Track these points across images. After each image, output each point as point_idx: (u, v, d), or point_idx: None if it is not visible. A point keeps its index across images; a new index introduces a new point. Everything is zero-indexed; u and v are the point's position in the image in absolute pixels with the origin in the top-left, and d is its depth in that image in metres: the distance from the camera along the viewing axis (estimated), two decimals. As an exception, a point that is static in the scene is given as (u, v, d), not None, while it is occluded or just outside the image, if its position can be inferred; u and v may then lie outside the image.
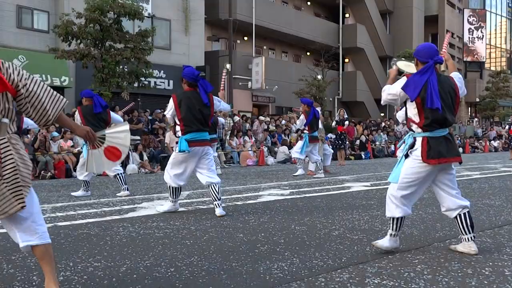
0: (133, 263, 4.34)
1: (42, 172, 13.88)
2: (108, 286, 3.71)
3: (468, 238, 4.62)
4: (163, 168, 16.35)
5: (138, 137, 16.84)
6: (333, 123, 18.91)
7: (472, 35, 48.50)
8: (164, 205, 7.29)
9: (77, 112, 9.07)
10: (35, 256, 4.54)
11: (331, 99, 36.26)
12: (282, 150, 20.94)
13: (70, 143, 15.37)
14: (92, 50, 17.90)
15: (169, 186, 7.06)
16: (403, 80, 4.66)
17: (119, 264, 4.32)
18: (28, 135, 14.87)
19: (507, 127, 25.98)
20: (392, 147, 26.01)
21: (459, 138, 33.08)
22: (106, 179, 12.33)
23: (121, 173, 9.18)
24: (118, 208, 7.53)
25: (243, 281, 3.82)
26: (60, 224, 6.28)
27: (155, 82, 24.57)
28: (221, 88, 9.30)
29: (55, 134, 15.05)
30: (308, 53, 38.25)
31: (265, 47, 35.12)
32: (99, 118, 8.82)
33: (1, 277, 3.93)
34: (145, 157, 16.12)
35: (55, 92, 3.33)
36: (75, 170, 14.57)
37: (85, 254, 4.68)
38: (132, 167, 15.00)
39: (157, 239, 5.31)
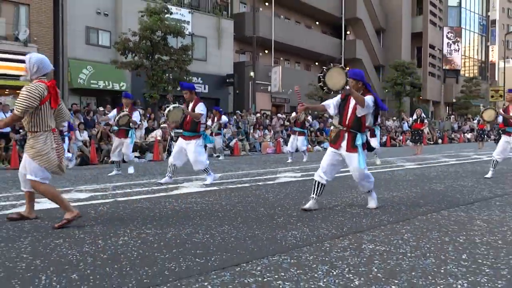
0: (177, 230, 4.37)
1: (105, 158, 14.04)
2: (157, 248, 3.74)
3: None
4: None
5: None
6: (411, 121, 17.22)
7: (450, 48, 47.43)
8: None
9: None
10: (101, 224, 4.61)
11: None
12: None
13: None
14: (144, 62, 18.08)
15: None
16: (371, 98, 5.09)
17: (165, 231, 4.35)
18: (94, 129, 15.01)
19: (476, 121, 25.53)
20: (384, 138, 25.68)
21: (438, 131, 32.57)
22: (157, 165, 12.36)
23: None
24: (164, 187, 7.58)
25: (264, 245, 3.82)
26: (119, 199, 6.35)
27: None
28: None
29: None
30: (316, 63, 37.81)
31: (281, 58, 34.82)
32: None
33: (74, 241, 3.98)
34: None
35: None
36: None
37: (139, 223, 4.73)
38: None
39: (195, 212, 5.34)
